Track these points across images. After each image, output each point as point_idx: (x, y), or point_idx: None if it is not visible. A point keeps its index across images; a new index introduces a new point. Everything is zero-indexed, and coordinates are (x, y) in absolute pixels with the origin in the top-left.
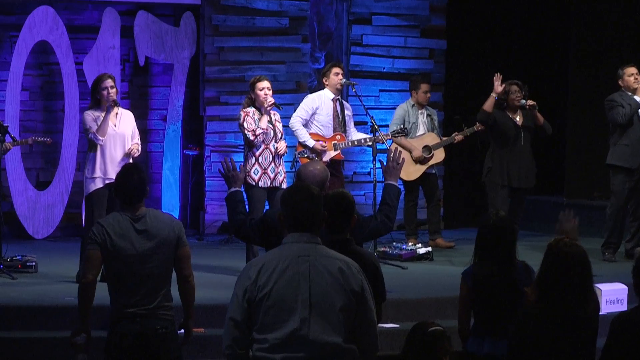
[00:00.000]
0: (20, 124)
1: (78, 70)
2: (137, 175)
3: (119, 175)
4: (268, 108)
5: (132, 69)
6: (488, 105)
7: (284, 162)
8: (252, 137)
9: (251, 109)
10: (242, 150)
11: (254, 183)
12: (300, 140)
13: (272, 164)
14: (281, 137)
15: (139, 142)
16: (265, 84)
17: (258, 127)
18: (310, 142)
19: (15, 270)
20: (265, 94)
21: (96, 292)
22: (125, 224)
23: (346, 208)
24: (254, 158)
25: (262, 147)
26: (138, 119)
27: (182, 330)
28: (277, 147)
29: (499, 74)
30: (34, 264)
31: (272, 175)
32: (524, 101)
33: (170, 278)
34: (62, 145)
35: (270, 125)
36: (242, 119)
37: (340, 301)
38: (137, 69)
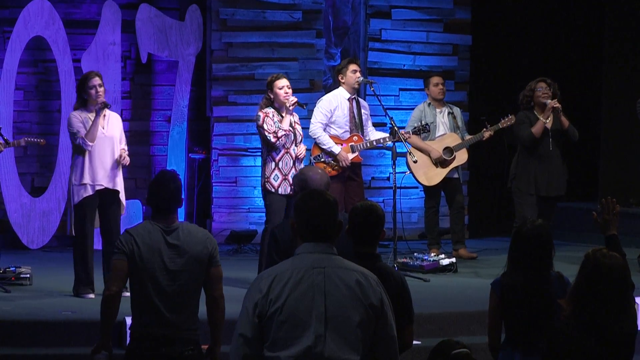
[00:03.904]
0: (14, 125)
1: (76, 68)
2: (174, 183)
3: (154, 182)
4: (291, 108)
5: (134, 66)
6: (537, 130)
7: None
8: (273, 140)
9: (270, 110)
10: (252, 153)
11: (273, 190)
12: (325, 148)
13: (293, 169)
14: (301, 141)
15: (126, 148)
16: (284, 82)
17: (280, 128)
18: (336, 149)
19: (9, 283)
20: (286, 93)
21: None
22: (157, 235)
23: (374, 222)
24: (273, 163)
25: (282, 151)
26: (140, 119)
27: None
28: (297, 151)
29: (555, 101)
30: (28, 275)
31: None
32: (548, 101)
33: (199, 297)
34: (58, 148)
35: (290, 128)
36: (261, 120)
37: (357, 316)
38: (139, 66)
